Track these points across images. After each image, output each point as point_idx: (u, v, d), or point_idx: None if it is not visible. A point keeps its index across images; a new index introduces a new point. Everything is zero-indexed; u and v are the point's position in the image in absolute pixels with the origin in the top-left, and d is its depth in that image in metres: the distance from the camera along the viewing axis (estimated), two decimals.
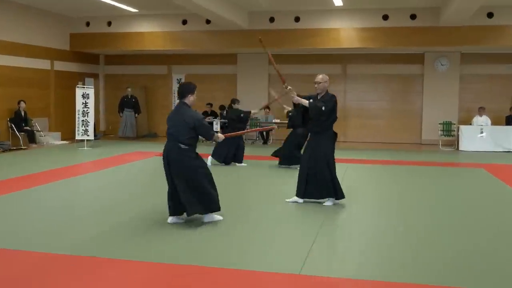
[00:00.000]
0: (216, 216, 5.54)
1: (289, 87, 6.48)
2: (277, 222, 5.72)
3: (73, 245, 4.68)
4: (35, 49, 14.34)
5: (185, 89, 5.37)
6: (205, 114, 15.72)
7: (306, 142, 6.71)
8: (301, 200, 6.56)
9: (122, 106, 15.90)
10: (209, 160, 9.91)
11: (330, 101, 6.30)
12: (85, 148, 12.86)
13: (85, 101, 13.09)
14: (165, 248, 4.66)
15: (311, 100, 6.36)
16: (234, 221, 5.66)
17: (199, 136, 5.40)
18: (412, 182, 8.56)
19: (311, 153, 6.39)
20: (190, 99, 5.36)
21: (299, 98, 6.39)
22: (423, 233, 5.29)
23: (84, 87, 13.47)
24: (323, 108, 6.21)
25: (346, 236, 5.27)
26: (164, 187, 5.58)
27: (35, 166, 9.84)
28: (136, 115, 16.01)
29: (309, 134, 6.62)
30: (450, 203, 6.88)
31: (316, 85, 6.40)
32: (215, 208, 5.46)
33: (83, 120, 13.06)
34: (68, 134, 14.54)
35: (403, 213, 6.21)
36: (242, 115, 10.02)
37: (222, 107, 15.59)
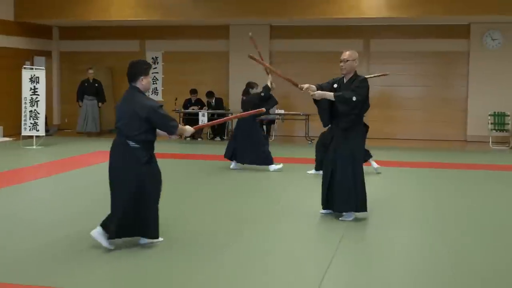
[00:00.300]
0: (156, 240, 5.48)
1: (304, 86, 6.51)
2: (283, 241, 5.78)
3: None
4: None
5: (136, 70, 5.29)
6: (189, 103, 15.62)
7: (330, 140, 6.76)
8: (326, 211, 6.74)
9: (81, 92, 15.78)
10: (273, 167, 9.97)
11: (362, 87, 6.35)
12: (34, 146, 12.83)
13: (34, 86, 13.03)
14: (118, 275, 4.59)
15: (335, 86, 6.42)
16: (227, 239, 5.67)
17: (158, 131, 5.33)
18: (453, 190, 8.61)
19: (336, 153, 6.45)
20: (143, 82, 5.30)
21: (320, 92, 6.43)
22: (464, 256, 5.28)
23: (32, 68, 13.42)
24: (354, 98, 6.25)
25: (368, 261, 5.24)
26: None
27: None
28: (100, 104, 15.90)
29: (334, 130, 6.63)
30: (501, 217, 6.92)
31: (342, 64, 6.46)
32: (152, 234, 5.39)
33: (31, 111, 13.00)
34: (12, 129, 14.50)
35: (440, 229, 6.24)
36: (262, 94, 10.19)
37: (210, 94, 15.48)
